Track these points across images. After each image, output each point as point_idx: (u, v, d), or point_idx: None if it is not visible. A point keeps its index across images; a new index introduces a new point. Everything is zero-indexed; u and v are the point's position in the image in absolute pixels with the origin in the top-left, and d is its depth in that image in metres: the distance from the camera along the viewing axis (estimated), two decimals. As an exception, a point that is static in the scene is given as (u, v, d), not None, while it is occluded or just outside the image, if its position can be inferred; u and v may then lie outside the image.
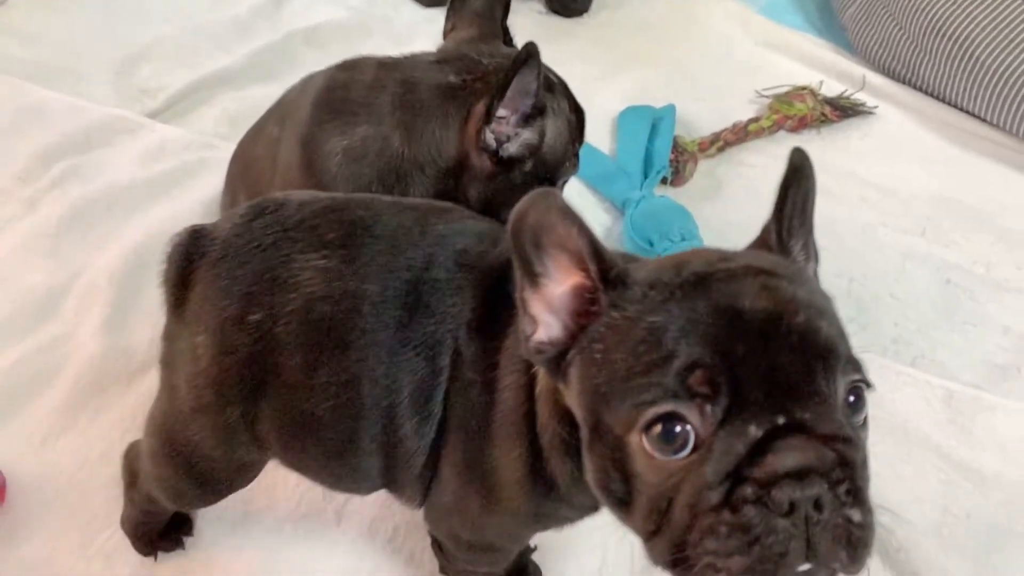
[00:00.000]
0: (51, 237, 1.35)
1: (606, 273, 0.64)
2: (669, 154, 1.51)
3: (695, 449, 0.58)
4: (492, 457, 0.79)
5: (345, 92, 1.05)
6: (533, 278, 0.66)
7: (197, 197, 1.42)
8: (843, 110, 1.66)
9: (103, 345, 1.20)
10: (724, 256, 0.66)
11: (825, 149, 1.62)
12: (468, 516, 0.84)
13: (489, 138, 1.02)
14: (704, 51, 1.84)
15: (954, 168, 1.58)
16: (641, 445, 0.59)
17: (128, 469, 1.00)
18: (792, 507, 0.55)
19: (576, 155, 1.13)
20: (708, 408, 0.57)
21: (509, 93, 0.99)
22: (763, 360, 0.57)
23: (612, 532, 1.02)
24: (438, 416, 0.81)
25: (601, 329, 0.64)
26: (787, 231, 0.70)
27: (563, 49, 1.51)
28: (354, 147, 1.02)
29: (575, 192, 1.48)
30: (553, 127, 1.07)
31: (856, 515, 0.57)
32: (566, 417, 0.70)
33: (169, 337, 0.86)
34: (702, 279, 0.62)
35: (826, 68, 1.76)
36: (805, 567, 0.57)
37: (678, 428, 0.58)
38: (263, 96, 1.25)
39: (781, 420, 0.57)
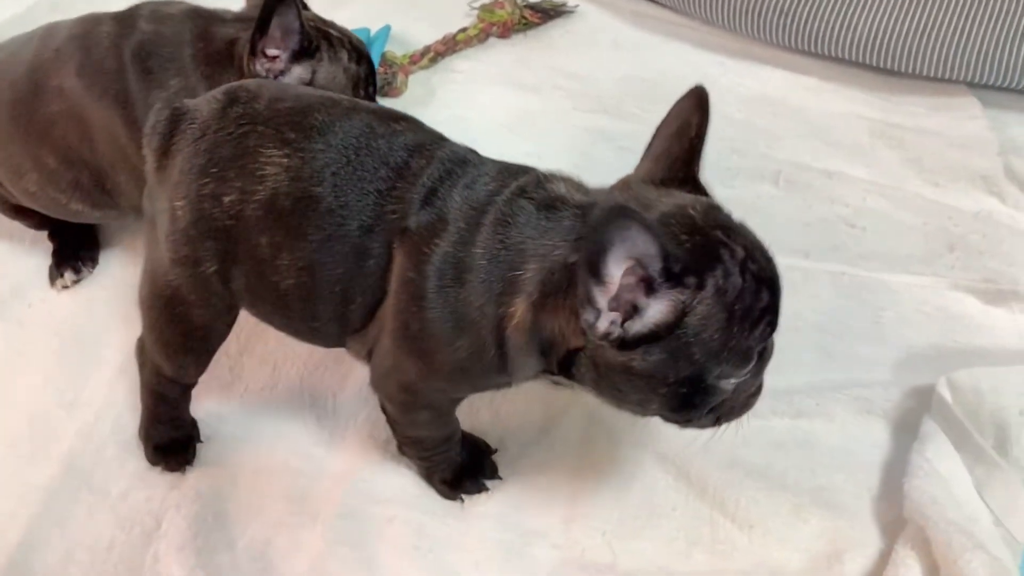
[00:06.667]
0: None
1: (670, 269, 0.78)
2: (378, 69, 1.65)
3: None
4: (444, 344, 0.92)
5: (154, 47, 1.21)
6: (600, 278, 0.77)
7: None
8: (544, 12, 1.82)
9: None
10: (728, 228, 0.84)
11: (531, 49, 1.79)
12: (405, 380, 1.00)
13: (259, 69, 1.19)
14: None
15: (640, 52, 1.77)
16: (728, 384, 0.86)
17: (139, 352, 1.14)
18: None
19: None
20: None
21: (273, 31, 1.17)
22: (777, 308, 0.86)
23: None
24: (380, 299, 0.95)
25: (687, 319, 0.80)
26: (698, 165, 0.90)
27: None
28: (171, 98, 1.16)
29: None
30: (326, 70, 1.25)
31: None
32: (544, 341, 0.88)
33: (151, 197, 1.02)
34: (745, 266, 0.82)
35: (533, -25, 1.92)
36: None
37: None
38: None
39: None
